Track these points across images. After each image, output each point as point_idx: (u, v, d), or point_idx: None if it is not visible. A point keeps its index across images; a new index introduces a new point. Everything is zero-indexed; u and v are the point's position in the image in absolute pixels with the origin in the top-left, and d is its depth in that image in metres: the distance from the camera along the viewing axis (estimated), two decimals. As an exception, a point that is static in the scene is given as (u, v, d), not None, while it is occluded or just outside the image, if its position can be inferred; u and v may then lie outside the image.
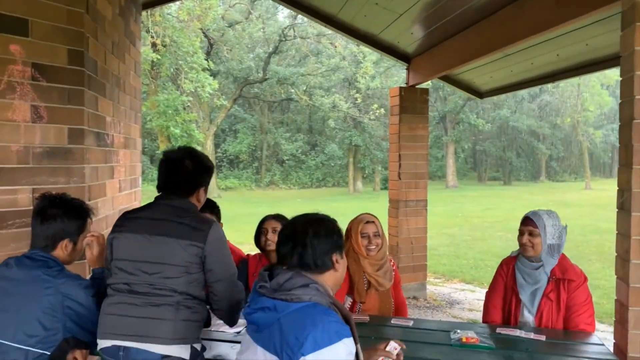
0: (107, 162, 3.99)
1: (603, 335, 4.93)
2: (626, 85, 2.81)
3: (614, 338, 2.95)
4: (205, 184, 2.39)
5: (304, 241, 1.80)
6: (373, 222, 3.11)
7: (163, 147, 18.73)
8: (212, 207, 3.40)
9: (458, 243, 12.13)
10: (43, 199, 2.35)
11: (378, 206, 15.47)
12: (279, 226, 3.21)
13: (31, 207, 3.09)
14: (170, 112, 17.35)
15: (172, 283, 2.13)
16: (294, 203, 22.05)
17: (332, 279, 1.85)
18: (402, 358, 2.19)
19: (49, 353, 2.19)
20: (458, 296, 7.15)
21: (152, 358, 2.08)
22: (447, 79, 7.11)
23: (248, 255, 3.46)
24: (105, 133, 3.90)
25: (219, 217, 3.46)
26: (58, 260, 2.31)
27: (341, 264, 1.87)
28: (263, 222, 3.34)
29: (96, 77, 3.65)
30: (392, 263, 3.25)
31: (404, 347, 2.22)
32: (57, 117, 3.24)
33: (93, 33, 3.56)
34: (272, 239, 3.20)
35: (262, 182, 33.31)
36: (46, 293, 2.19)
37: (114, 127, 4.16)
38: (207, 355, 2.38)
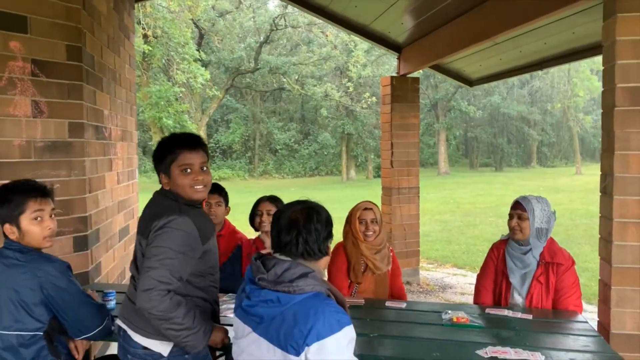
0: (106, 154, 4.07)
1: (592, 315, 5.07)
2: (608, 74, 2.92)
3: (598, 316, 3.10)
4: (161, 170, 2.22)
5: (309, 228, 1.82)
6: (371, 209, 3.24)
7: (156, 138, 18.72)
8: (220, 191, 3.52)
9: (450, 229, 12.28)
10: None
11: (371, 194, 15.59)
12: (273, 209, 3.33)
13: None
14: (162, 103, 17.34)
15: None
16: (288, 192, 22.14)
17: (324, 264, 1.91)
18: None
19: (41, 333, 2.25)
20: (450, 281, 7.30)
21: (135, 347, 2.16)
22: (438, 68, 7.20)
23: (242, 241, 3.56)
24: (103, 126, 3.98)
25: (227, 201, 3.57)
26: (27, 246, 2.29)
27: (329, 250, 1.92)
28: (258, 204, 3.44)
29: (94, 72, 3.73)
30: (390, 249, 3.37)
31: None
32: (58, 112, 3.32)
33: (90, 28, 3.63)
34: (267, 220, 3.32)
35: (256, 172, 33.33)
36: (23, 278, 2.22)
37: (111, 120, 4.24)
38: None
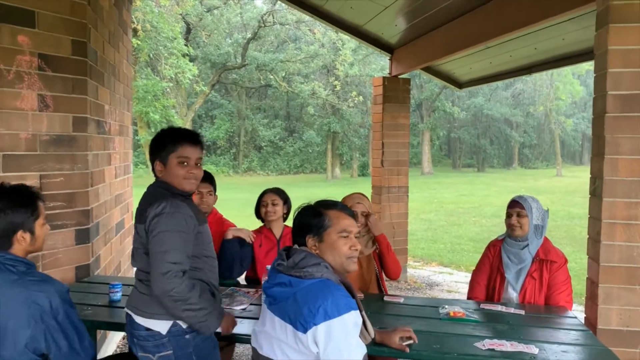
0: (105, 149, 4.11)
1: (575, 313, 5.24)
2: (599, 81, 3.05)
3: (585, 312, 3.24)
4: (157, 157, 2.32)
5: (293, 223, 2.10)
6: (361, 203, 3.38)
7: (142, 132, 18.63)
8: (210, 180, 3.58)
9: (435, 228, 12.46)
10: None
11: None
12: (277, 199, 3.52)
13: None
14: (149, 97, 17.26)
15: (141, 265, 2.31)
16: (273, 189, 22.17)
17: (331, 251, 1.99)
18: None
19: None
20: (437, 278, 7.44)
21: (139, 329, 2.28)
22: (428, 70, 7.33)
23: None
24: (104, 121, 4.03)
25: (214, 188, 3.65)
26: (25, 260, 2.14)
27: (319, 246, 2.00)
28: (262, 195, 3.59)
29: (96, 67, 3.77)
30: None
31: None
32: (62, 106, 3.37)
33: (94, 24, 3.67)
34: (272, 210, 3.49)
35: (240, 169, 33.28)
36: (25, 304, 2.02)
37: (110, 115, 4.28)
38: (217, 329, 2.55)
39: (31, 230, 2.15)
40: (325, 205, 2.07)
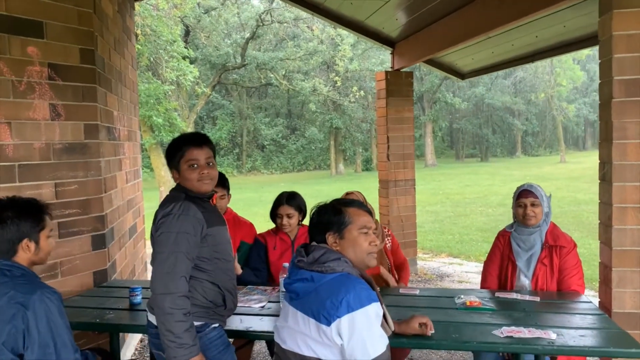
0: (116, 155, 4.15)
1: (588, 298, 5.26)
2: (605, 67, 3.08)
3: (599, 297, 3.27)
4: (172, 166, 2.41)
5: (311, 222, 2.14)
6: (352, 193, 3.48)
7: (146, 136, 18.66)
8: (222, 183, 3.62)
9: (442, 219, 12.49)
10: None
11: (360, 187, 15.76)
12: (292, 211, 3.47)
13: (55, 201, 3.28)
14: (152, 101, 17.30)
15: None
16: (278, 187, 22.21)
17: (352, 247, 2.04)
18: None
19: None
20: (447, 269, 7.48)
21: (152, 327, 2.32)
22: (430, 62, 7.33)
23: (261, 234, 3.65)
24: (113, 127, 4.07)
25: (228, 190, 3.68)
26: (24, 267, 2.22)
27: (340, 243, 2.04)
28: (277, 206, 3.53)
29: (104, 74, 3.81)
30: (387, 231, 3.67)
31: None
32: (74, 114, 3.41)
33: (100, 32, 3.71)
34: (287, 223, 3.46)
35: (244, 168, 33.36)
36: (8, 303, 2.08)
37: (119, 120, 4.32)
38: (239, 327, 2.61)
39: (36, 241, 2.25)
40: (344, 203, 2.11)
